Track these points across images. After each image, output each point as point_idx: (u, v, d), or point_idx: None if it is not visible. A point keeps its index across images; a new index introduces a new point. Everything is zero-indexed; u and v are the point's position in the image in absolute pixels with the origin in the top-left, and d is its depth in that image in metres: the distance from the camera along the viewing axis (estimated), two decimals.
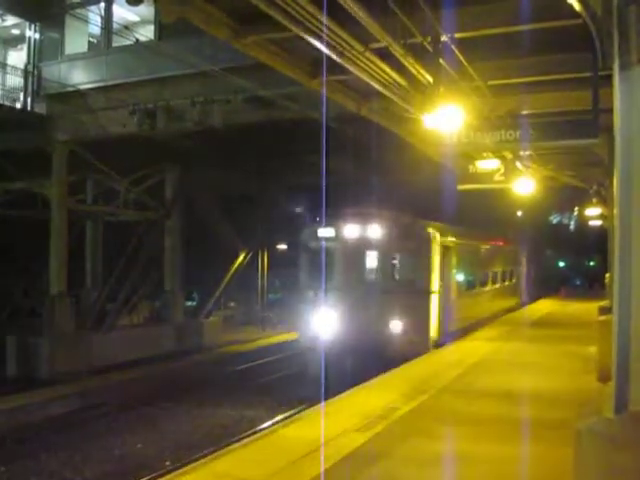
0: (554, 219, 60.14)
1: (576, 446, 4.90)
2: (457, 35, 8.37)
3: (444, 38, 8.17)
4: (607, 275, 28.98)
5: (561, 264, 52.02)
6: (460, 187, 14.18)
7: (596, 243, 45.70)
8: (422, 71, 8.59)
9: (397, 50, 7.92)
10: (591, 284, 46.98)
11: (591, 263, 47.33)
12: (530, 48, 9.33)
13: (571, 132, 8.77)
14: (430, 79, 8.75)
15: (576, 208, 52.16)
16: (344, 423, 9.23)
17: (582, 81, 10.06)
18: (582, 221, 49.05)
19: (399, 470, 7.48)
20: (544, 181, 17.89)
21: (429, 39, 8.17)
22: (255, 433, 9.16)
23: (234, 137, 20.94)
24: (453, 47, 8.36)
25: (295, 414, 10.07)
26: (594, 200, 22.23)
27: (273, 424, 9.64)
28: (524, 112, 10.88)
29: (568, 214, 59.71)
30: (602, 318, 13.02)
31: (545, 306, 31.21)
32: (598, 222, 30.49)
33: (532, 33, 8.96)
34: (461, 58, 8.86)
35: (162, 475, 7.06)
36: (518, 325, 22.45)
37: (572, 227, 62.29)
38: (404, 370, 13.67)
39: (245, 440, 8.45)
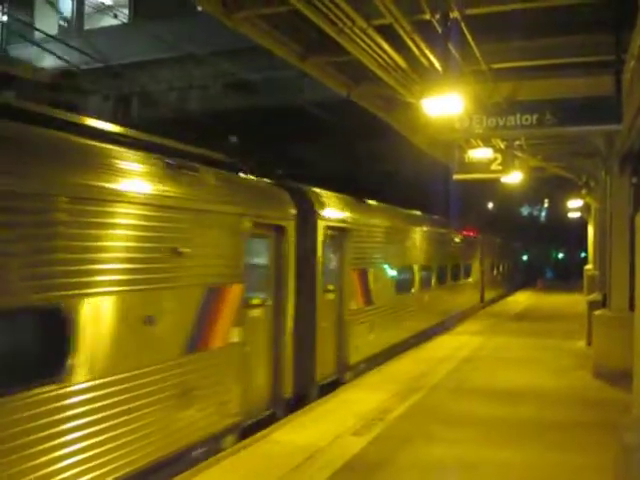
0: (525, 211, 60.37)
1: (621, 460, 4.42)
2: (468, 12, 7.84)
3: (454, 14, 7.65)
4: (586, 267, 28.95)
5: (532, 256, 51.85)
6: (456, 177, 13.75)
7: (573, 236, 45.89)
8: (426, 51, 8.05)
9: (404, 27, 7.36)
10: (566, 276, 47.02)
11: (582, 255, 47.36)
12: (541, 29, 8.88)
13: (592, 117, 8.34)
14: (434, 61, 8.22)
15: (546, 200, 52.42)
16: (339, 426, 8.71)
17: (587, 66, 9.69)
18: (555, 213, 49.20)
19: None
20: (532, 172, 17.53)
21: (437, 16, 7.64)
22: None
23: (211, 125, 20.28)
24: (463, 25, 7.83)
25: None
26: (583, 192, 21.93)
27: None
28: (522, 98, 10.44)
29: (539, 206, 60.01)
30: (598, 313, 12.67)
31: (524, 299, 31.07)
32: (577, 214, 30.46)
33: (545, 12, 8.50)
34: (469, 38, 8.33)
35: None
36: (501, 318, 22.15)
37: (542, 219, 62.63)
38: (392, 367, 13.20)
39: (232, 448, 7.81)
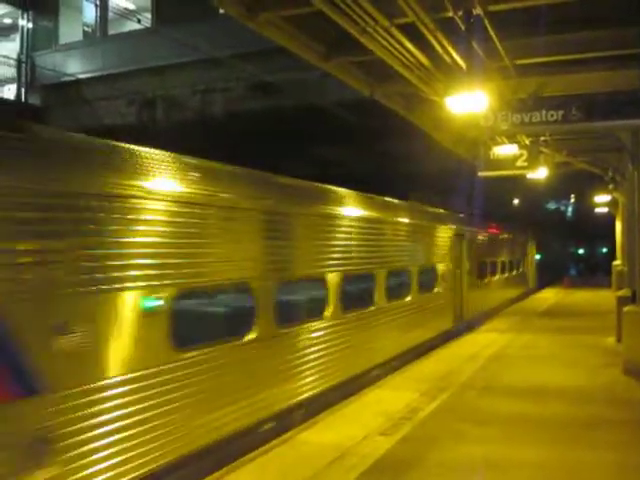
0: (551, 206, 59.84)
1: None
2: (491, 8, 7.80)
3: (477, 11, 7.61)
4: (615, 263, 28.60)
5: (554, 253, 51.07)
6: (481, 173, 13.67)
7: (596, 231, 45.37)
8: (450, 49, 8.03)
9: (426, 25, 7.35)
10: (593, 272, 46.43)
11: (603, 250, 46.69)
12: (565, 24, 8.81)
13: (618, 112, 8.22)
14: (457, 58, 8.19)
15: (572, 195, 51.92)
16: (366, 426, 8.65)
17: (612, 60, 9.59)
18: (581, 208, 48.68)
19: None
20: (557, 167, 17.37)
21: (460, 14, 7.62)
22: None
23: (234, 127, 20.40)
24: (486, 22, 7.80)
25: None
26: (610, 186, 21.64)
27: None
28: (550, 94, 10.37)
29: (565, 201, 59.43)
30: (628, 309, 12.48)
31: (551, 295, 30.75)
32: (604, 209, 30.12)
33: (568, 7, 8.42)
34: (492, 35, 8.29)
35: None
36: (528, 315, 21.92)
37: (569, 214, 62.01)
38: (418, 366, 13.13)
39: (262, 449, 7.81)
